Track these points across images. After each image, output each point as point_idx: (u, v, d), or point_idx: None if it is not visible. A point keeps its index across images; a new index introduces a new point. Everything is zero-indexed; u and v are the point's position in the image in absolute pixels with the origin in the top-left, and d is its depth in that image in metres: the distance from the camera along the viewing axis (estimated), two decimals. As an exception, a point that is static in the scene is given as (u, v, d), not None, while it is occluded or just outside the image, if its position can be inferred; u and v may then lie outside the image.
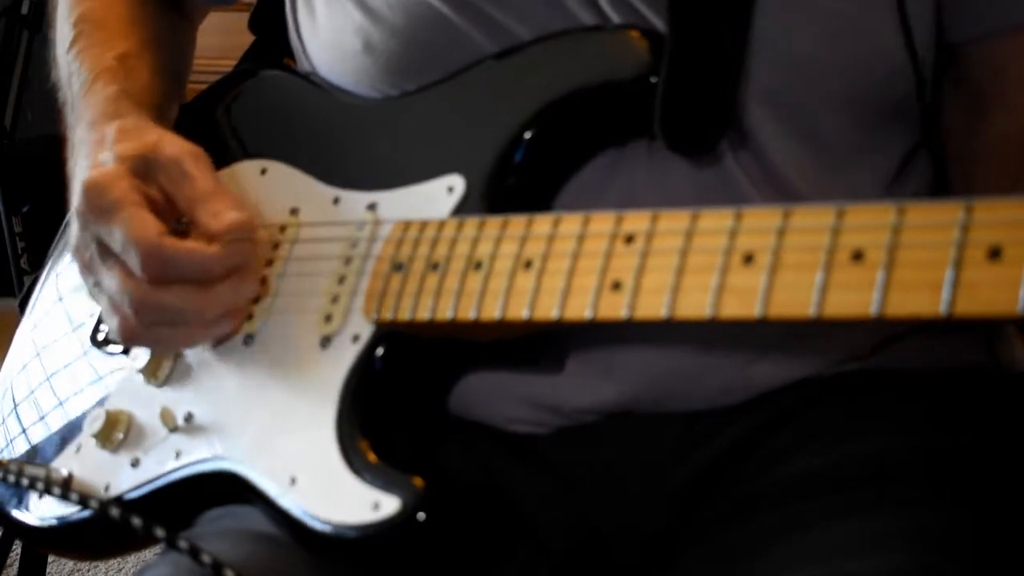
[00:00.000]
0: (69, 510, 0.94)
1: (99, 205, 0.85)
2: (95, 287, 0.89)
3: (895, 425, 0.86)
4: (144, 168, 0.88)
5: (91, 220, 0.85)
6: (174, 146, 0.89)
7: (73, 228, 0.88)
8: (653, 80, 0.79)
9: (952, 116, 0.91)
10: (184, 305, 0.83)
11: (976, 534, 0.80)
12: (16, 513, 0.98)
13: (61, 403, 1.00)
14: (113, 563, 2.25)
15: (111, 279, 0.85)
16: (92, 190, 0.86)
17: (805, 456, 0.85)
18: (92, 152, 0.91)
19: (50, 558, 1.97)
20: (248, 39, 1.12)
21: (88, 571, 2.28)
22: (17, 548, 1.96)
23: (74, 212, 0.87)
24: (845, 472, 0.84)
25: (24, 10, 2.25)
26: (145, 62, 1.03)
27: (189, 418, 0.89)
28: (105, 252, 0.86)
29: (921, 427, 0.86)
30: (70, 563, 2.26)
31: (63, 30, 1.07)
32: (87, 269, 0.89)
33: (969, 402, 0.89)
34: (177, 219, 0.88)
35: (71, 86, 1.01)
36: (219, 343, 0.89)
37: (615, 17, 0.83)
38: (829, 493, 0.82)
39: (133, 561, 2.19)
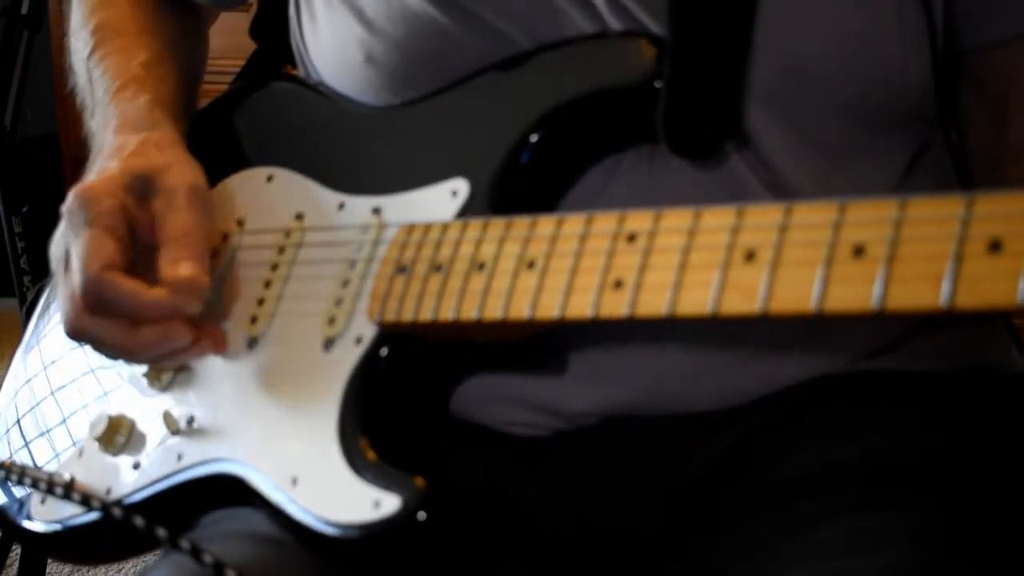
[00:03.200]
0: (71, 514, 0.94)
1: (77, 216, 0.86)
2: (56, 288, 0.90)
3: (895, 425, 0.86)
4: (143, 187, 0.88)
5: (68, 227, 0.87)
6: (178, 177, 0.89)
7: (60, 224, 0.89)
8: (657, 85, 0.80)
9: (975, 122, 0.91)
10: (109, 340, 0.85)
11: (976, 534, 0.79)
12: (18, 519, 0.98)
13: (63, 405, 1.00)
14: (112, 564, 2.24)
15: (63, 288, 0.87)
16: (79, 199, 0.87)
17: (805, 456, 0.85)
18: (108, 157, 0.92)
19: (49, 559, 1.96)
20: (248, 40, 1.13)
21: (88, 572, 2.28)
22: (17, 549, 1.95)
23: (62, 212, 0.88)
24: (845, 472, 0.84)
25: (24, 10, 2.25)
26: (168, 70, 1.04)
27: (191, 421, 0.89)
28: (67, 262, 0.87)
29: (920, 427, 0.86)
30: (69, 564, 2.26)
31: (81, 38, 1.08)
32: (55, 266, 0.90)
33: (968, 403, 0.89)
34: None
35: (93, 93, 1.02)
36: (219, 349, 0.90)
37: (614, 23, 0.84)
38: (829, 493, 0.82)
39: (133, 562, 2.18)
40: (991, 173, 0.91)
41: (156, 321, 0.84)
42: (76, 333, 0.86)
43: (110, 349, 0.86)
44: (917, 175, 0.91)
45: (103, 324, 0.84)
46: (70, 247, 0.86)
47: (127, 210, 0.87)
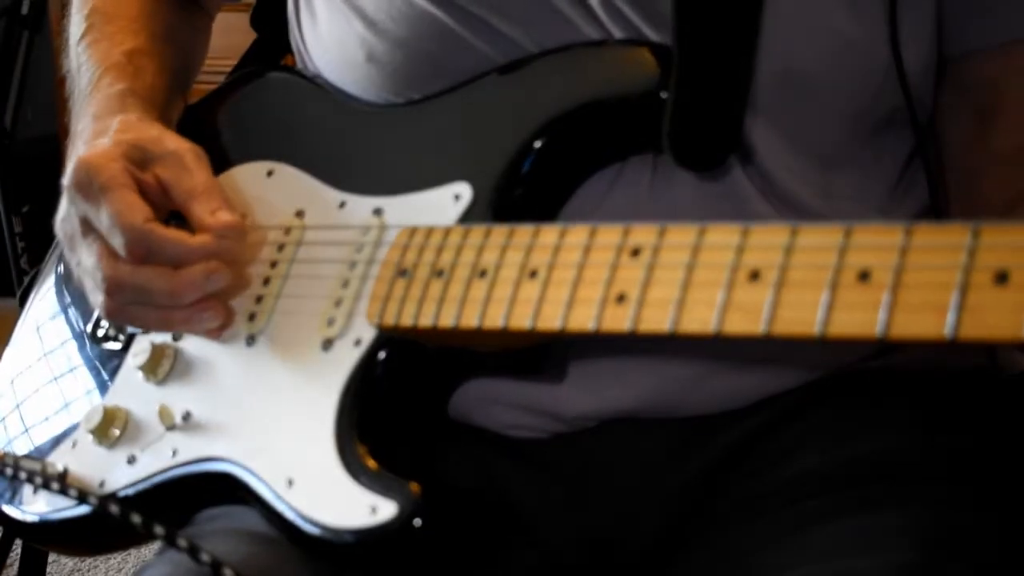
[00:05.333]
0: (64, 505, 0.93)
1: (89, 184, 0.87)
2: (77, 266, 0.91)
3: (895, 425, 0.87)
4: (141, 156, 0.90)
5: (79, 198, 0.87)
6: (176, 141, 0.92)
7: (61, 202, 0.90)
8: (663, 96, 0.80)
9: (954, 128, 0.92)
10: (155, 286, 0.85)
11: (977, 532, 0.80)
12: (9, 508, 0.98)
13: (58, 398, 1.00)
14: (113, 564, 2.24)
15: (88, 256, 0.87)
16: (84, 168, 0.87)
17: (805, 456, 0.86)
18: (92, 138, 0.93)
19: (50, 558, 1.96)
20: (248, 39, 1.13)
21: (88, 572, 2.27)
22: (17, 548, 1.94)
23: (64, 186, 0.89)
24: (845, 471, 0.84)
25: (24, 10, 2.26)
26: (153, 60, 1.04)
27: (187, 416, 0.89)
28: (87, 230, 0.88)
29: (921, 427, 0.86)
30: (70, 563, 2.24)
31: (76, 21, 1.09)
32: (68, 244, 0.91)
33: (969, 402, 0.90)
34: (170, 210, 0.90)
35: (79, 78, 1.03)
36: (216, 337, 0.89)
37: (615, 30, 0.84)
38: (829, 492, 0.83)
39: (133, 562, 2.17)
40: (968, 179, 0.92)
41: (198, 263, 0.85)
42: (116, 287, 0.86)
43: (153, 295, 0.86)
44: (913, 175, 0.91)
45: (146, 272, 0.85)
46: (87, 215, 0.87)
47: (133, 174, 0.88)
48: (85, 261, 0.88)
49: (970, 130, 0.91)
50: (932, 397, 0.89)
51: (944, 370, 0.90)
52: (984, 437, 0.88)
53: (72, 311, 1.05)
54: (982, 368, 0.92)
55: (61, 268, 1.08)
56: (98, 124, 0.95)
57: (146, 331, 0.94)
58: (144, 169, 0.90)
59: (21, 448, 0.99)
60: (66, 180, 0.89)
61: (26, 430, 1.00)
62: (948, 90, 0.91)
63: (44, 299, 1.09)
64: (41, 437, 0.98)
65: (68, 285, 1.06)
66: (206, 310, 0.87)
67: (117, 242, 0.85)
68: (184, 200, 0.88)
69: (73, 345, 1.02)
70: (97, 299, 0.89)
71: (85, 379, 0.99)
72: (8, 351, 1.08)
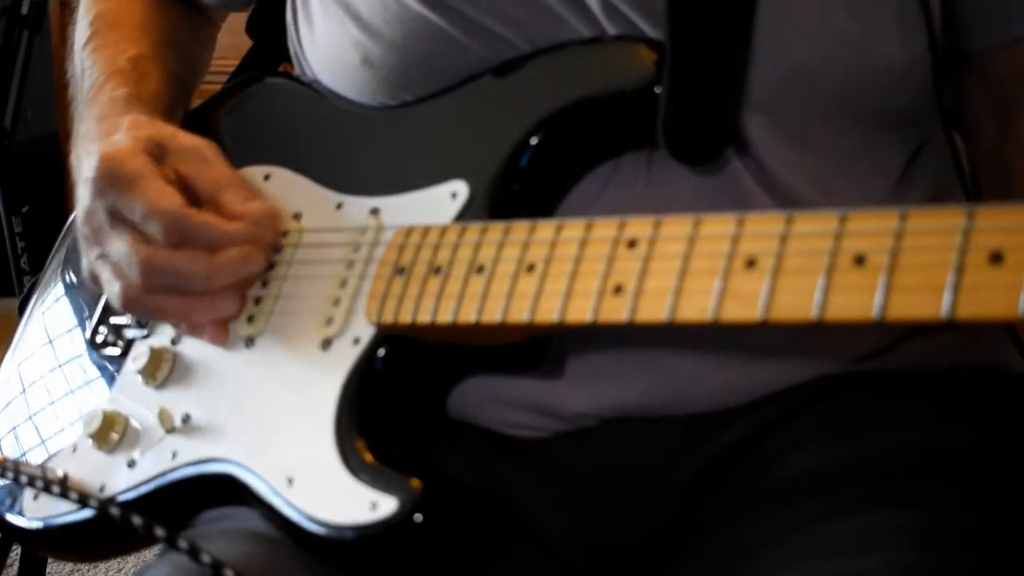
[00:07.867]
0: (64, 511, 0.93)
1: (118, 175, 0.87)
2: (99, 258, 0.90)
3: (895, 424, 0.87)
4: (159, 151, 0.91)
5: (107, 189, 0.88)
6: (191, 137, 0.93)
7: (83, 196, 0.90)
8: (657, 90, 0.80)
9: (984, 122, 0.92)
10: (192, 268, 0.85)
11: (977, 532, 0.80)
12: (10, 516, 0.98)
13: (57, 403, 1.00)
14: (113, 563, 2.24)
15: (120, 244, 0.87)
16: (110, 160, 0.88)
17: (806, 455, 0.86)
18: (103, 136, 0.93)
19: (49, 559, 1.96)
20: (247, 39, 1.13)
21: (88, 572, 2.27)
22: (17, 549, 1.95)
23: (87, 180, 0.89)
24: (845, 471, 0.84)
25: (24, 10, 2.27)
26: (157, 66, 1.05)
27: (187, 419, 0.89)
28: (117, 220, 0.88)
29: (921, 426, 0.86)
30: (69, 564, 2.25)
31: (81, 28, 1.10)
32: (93, 236, 0.90)
33: (969, 402, 0.90)
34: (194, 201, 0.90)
35: (83, 83, 1.04)
36: (220, 343, 0.90)
37: (611, 28, 0.84)
38: (830, 492, 0.83)
39: (133, 562, 2.18)
40: (1000, 171, 0.92)
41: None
42: (151, 271, 0.86)
43: (190, 277, 0.86)
44: (914, 174, 0.91)
45: (183, 255, 0.86)
46: (117, 205, 0.87)
47: (155, 167, 0.89)
48: (115, 249, 0.88)
49: (999, 123, 0.92)
50: (932, 396, 0.89)
51: (944, 370, 0.90)
52: (984, 437, 0.88)
53: (78, 319, 1.05)
54: (982, 368, 0.92)
55: (69, 276, 1.08)
56: (104, 125, 0.95)
57: (160, 322, 0.94)
58: (161, 164, 0.90)
59: (27, 455, 0.99)
60: (89, 174, 0.89)
61: (27, 435, 1.00)
62: (975, 85, 0.92)
63: (52, 308, 1.09)
64: (41, 442, 0.98)
65: (74, 292, 1.06)
66: (228, 296, 0.87)
67: (153, 228, 0.86)
68: (212, 191, 0.89)
69: (74, 352, 1.02)
70: (116, 287, 0.88)
71: (84, 384, 0.99)
72: (9, 357, 1.08)
